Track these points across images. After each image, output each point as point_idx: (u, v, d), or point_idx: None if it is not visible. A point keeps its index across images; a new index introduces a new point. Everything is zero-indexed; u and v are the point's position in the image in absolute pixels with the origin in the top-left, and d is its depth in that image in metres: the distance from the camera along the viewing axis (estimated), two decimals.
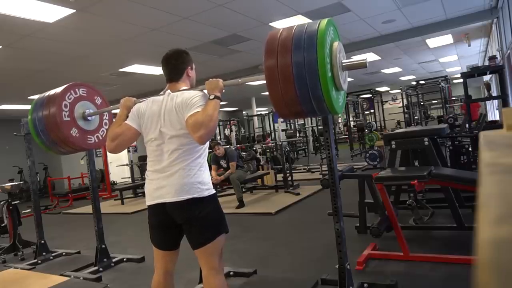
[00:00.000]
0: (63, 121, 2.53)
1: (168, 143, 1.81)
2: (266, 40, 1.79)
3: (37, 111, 2.63)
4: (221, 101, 1.82)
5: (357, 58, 1.83)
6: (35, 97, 8.84)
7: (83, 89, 2.71)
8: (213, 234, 1.83)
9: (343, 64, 1.79)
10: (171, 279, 1.97)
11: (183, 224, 1.84)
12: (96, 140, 2.79)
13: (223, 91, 1.88)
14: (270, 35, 1.82)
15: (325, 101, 1.67)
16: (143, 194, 9.61)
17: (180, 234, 1.91)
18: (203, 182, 1.82)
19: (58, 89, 2.64)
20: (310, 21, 5.47)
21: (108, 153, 11.87)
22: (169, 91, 1.93)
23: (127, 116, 1.98)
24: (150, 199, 1.86)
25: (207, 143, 1.90)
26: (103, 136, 2.86)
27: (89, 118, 2.70)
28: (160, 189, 1.81)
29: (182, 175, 1.77)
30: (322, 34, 1.64)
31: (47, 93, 2.71)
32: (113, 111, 2.71)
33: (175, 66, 1.97)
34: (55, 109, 2.50)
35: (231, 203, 6.22)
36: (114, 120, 2.15)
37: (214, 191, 1.88)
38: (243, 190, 6.88)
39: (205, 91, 1.88)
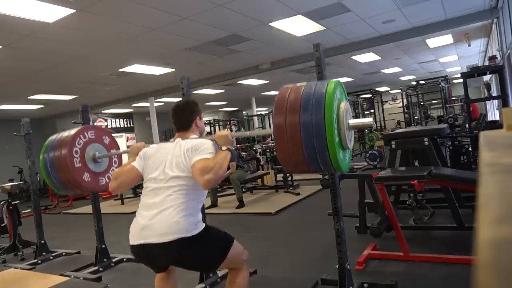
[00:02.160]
0: (75, 168, 2.53)
1: (168, 182, 1.78)
2: (276, 97, 1.81)
3: (49, 154, 2.62)
4: (232, 156, 1.85)
5: (363, 120, 1.86)
6: (36, 97, 8.72)
7: (92, 131, 2.70)
8: (221, 257, 1.82)
9: (350, 124, 1.80)
10: (174, 274, 2.02)
11: (177, 265, 1.83)
12: (107, 181, 2.76)
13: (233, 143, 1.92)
14: (280, 93, 1.83)
15: (332, 164, 1.70)
16: None
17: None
18: (194, 222, 1.74)
19: (69, 134, 2.62)
20: (310, 21, 5.48)
21: None
22: (179, 139, 1.94)
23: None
24: (134, 239, 1.74)
25: (205, 193, 1.90)
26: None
27: (99, 160, 2.70)
28: (146, 228, 1.70)
29: (173, 213, 1.69)
30: (330, 99, 1.66)
31: (58, 136, 2.69)
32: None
33: (184, 116, 2.00)
34: (66, 156, 2.50)
35: (231, 203, 6.22)
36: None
37: (204, 224, 1.81)
38: (243, 190, 6.88)
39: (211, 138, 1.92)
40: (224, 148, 1.82)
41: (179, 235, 1.66)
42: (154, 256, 1.73)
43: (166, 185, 1.77)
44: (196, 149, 1.78)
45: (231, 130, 13.19)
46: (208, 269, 1.83)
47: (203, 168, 1.68)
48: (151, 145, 2.05)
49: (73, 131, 2.61)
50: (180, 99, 2.37)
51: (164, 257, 1.74)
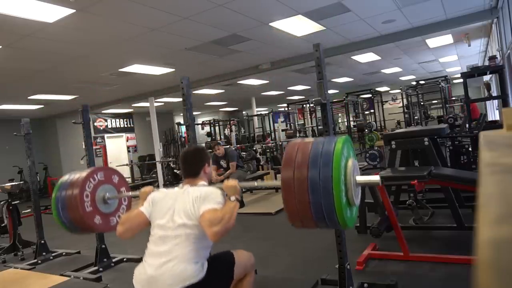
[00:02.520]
0: (86, 212, 2.53)
1: (176, 230, 1.77)
2: (284, 152, 1.83)
3: (60, 196, 2.62)
4: (240, 205, 1.86)
5: (371, 178, 1.84)
6: (36, 97, 8.70)
7: (101, 173, 2.70)
8: (230, 281, 1.85)
9: (357, 181, 1.79)
10: None
11: None
12: (118, 220, 2.76)
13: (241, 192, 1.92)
14: (288, 147, 1.84)
15: (339, 223, 1.70)
16: None
17: None
18: (201, 266, 1.75)
19: (79, 178, 2.61)
20: (310, 21, 5.47)
21: (108, 153, 11.88)
22: (187, 185, 1.94)
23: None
24: (140, 287, 1.74)
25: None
26: (124, 213, 2.83)
27: (109, 201, 2.70)
28: (153, 279, 1.69)
29: (180, 262, 1.70)
30: (337, 161, 1.67)
31: (69, 178, 2.69)
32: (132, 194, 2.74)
33: (194, 164, 2.02)
34: (77, 202, 2.50)
35: None
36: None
37: (207, 262, 1.81)
38: (243, 190, 6.88)
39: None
40: (232, 198, 1.82)
41: (187, 283, 1.66)
42: None
43: (173, 233, 1.76)
44: (204, 198, 1.77)
45: (231, 130, 13.21)
46: None
47: (212, 220, 1.67)
48: (159, 189, 2.05)
49: (83, 174, 2.60)
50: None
51: None
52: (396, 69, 11.74)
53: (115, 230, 2.26)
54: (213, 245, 1.87)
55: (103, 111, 12.73)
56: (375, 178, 1.83)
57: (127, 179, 10.19)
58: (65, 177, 2.71)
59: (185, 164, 2.03)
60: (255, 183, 2.06)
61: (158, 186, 9.57)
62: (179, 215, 1.78)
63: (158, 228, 1.82)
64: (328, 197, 1.64)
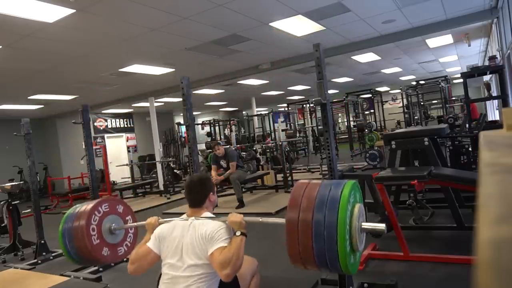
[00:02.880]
0: (93, 245, 2.54)
1: (186, 270, 1.80)
2: (291, 193, 1.82)
3: (67, 230, 2.63)
4: (240, 205, 1.86)
5: (376, 225, 1.82)
6: (36, 97, 8.70)
7: (105, 204, 2.71)
8: None
9: (363, 227, 1.78)
10: None
11: None
12: (126, 249, 2.76)
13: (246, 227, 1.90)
14: (296, 188, 1.83)
15: (342, 270, 1.69)
16: (143, 194, 9.55)
17: None
18: None
19: (84, 211, 2.62)
20: (310, 21, 5.47)
21: (108, 153, 11.87)
22: (192, 218, 1.95)
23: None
24: None
25: None
26: (131, 241, 2.85)
27: (115, 232, 2.71)
28: None
29: None
30: (343, 213, 1.65)
31: (76, 211, 2.70)
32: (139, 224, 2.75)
33: (199, 194, 2.02)
34: (84, 237, 2.51)
35: (231, 203, 6.22)
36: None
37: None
38: (243, 190, 6.88)
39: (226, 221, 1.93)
40: (238, 233, 1.82)
41: None
42: None
43: (184, 274, 1.79)
44: (212, 238, 1.79)
45: (231, 130, 13.20)
46: None
47: (222, 262, 1.70)
48: (164, 222, 2.04)
49: (89, 207, 2.60)
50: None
51: None
52: (396, 69, 11.75)
53: (123, 259, 2.24)
54: None
55: (103, 111, 12.73)
56: (381, 226, 1.81)
57: (127, 179, 10.14)
58: (70, 211, 2.72)
59: (190, 194, 2.04)
60: (259, 219, 2.04)
61: (158, 186, 9.57)
62: (188, 255, 1.80)
63: (168, 268, 1.85)
64: (332, 245, 1.62)
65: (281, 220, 1.82)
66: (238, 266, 1.71)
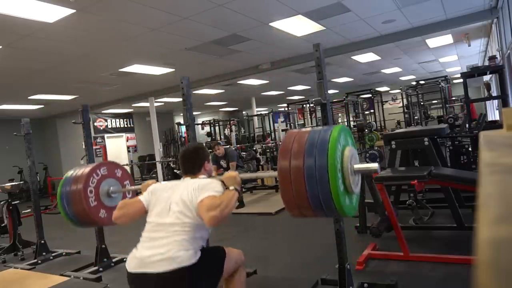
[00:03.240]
0: (91, 207, 2.57)
1: (172, 218, 1.77)
2: (282, 141, 1.83)
3: (65, 192, 2.65)
4: (239, 194, 1.85)
5: (369, 165, 1.83)
6: (36, 97, 8.70)
7: (104, 168, 2.73)
8: (219, 274, 1.85)
9: (355, 169, 1.79)
10: None
11: None
12: None
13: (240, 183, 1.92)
14: (286, 137, 1.84)
15: (338, 211, 1.69)
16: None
17: None
18: (194, 254, 1.73)
19: (82, 174, 2.63)
20: (310, 21, 5.47)
21: (108, 153, 11.86)
22: (188, 178, 1.96)
23: None
24: (132, 267, 1.71)
25: (208, 231, 1.90)
26: None
27: (113, 195, 2.73)
28: (146, 260, 1.68)
29: (174, 249, 1.67)
30: (333, 148, 1.66)
31: (73, 174, 2.71)
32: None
33: (193, 162, 2.02)
34: (82, 198, 2.54)
35: None
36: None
37: (200, 252, 1.78)
38: (243, 190, 6.88)
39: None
40: (231, 187, 1.82)
41: (178, 266, 1.65)
42: (151, 287, 1.69)
43: (169, 222, 1.76)
44: (203, 187, 1.78)
45: (231, 130, 13.20)
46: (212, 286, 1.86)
47: (210, 205, 1.68)
48: (161, 182, 2.06)
49: (87, 170, 2.63)
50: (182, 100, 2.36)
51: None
52: (396, 69, 11.74)
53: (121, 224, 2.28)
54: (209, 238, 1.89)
55: (103, 111, 12.73)
56: (373, 165, 1.82)
57: None
58: (69, 173, 2.74)
59: (185, 163, 2.03)
60: (255, 174, 2.07)
61: None
62: (177, 204, 1.79)
63: (154, 216, 1.83)
64: (324, 185, 1.63)
65: (274, 173, 1.82)
66: (226, 214, 1.67)
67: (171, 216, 1.77)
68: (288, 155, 1.73)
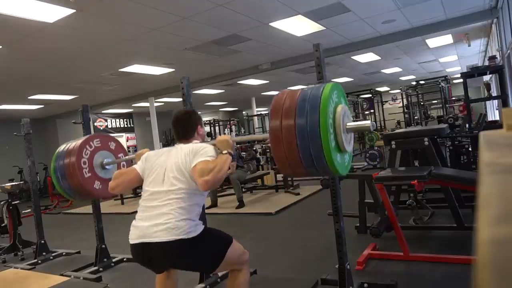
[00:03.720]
0: (85, 178, 2.56)
1: (168, 185, 1.77)
2: (272, 101, 1.81)
3: (58, 165, 2.64)
4: (232, 159, 1.84)
5: (361, 123, 1.82)
6: (36, 97, 8.69)
7: (97, 140, 2.73)
8: (220, 257, 1.82)
9: (348, 127, 1.76)
10: (174, 275, 2.03)
11: (176, 266, 1.84)
12: None
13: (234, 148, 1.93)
14: (276, 97, 1.82)
15: (330, 168, 1.67)
16: None
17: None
18: (193, 225, 1.74)
19: (75, 146, 2.63)
20: (310, 21, 5.47)
21: None
22: (181, 144, 1.95)
23: None
24: (134, 238, 1.75)
25: (204, 198, 1.91)
26: None
27: (107, 167, 2.73)
28: (146, 230, 1.70)
29: (172, 217, 1.69)
30: (324, 104, 1.64)
31: (65, 147, 2.70)
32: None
33: (186, 126, 2.00)
34: (75, 168, 2.53)
35: (231, 203, 6.22)
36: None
37: (203, 226, 1.79)
38: (243, 190, 6.88)
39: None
40: (224, 151, 1.82)
41: (178, 237, 1.66)
42: (154, 256, 1.72)
43: (165, 189, 1.77)
44: (196, 152, 1.78)
45: (231, 131, 13.20)
46: (207, 270, 1.84)
47: (203, 169, 1.68)
48: (155, 150, 2.06)
49: (79, 142, 2.62)
50: (180, 98, 2.37)
51: (163, 258, 1.73)
52: (396, 69, 11.75)
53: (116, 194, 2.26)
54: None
55: (103, 111, 12.73)
56: (366, 123, 1.81)
57: None
58: (61, 147, 2.73)
59: (178, 126, 2.00)
60: (248, 137, 2.07)
61: None
62: (171, 170, 1.80)
63: (150, 185, 1.84)
64: (316, 141, 1.62)
65: (266, 135, 1.82)
66: (219, 178, 1.68)
67: (166, 183, 1.78)
68: (279, 113, 1.71)
